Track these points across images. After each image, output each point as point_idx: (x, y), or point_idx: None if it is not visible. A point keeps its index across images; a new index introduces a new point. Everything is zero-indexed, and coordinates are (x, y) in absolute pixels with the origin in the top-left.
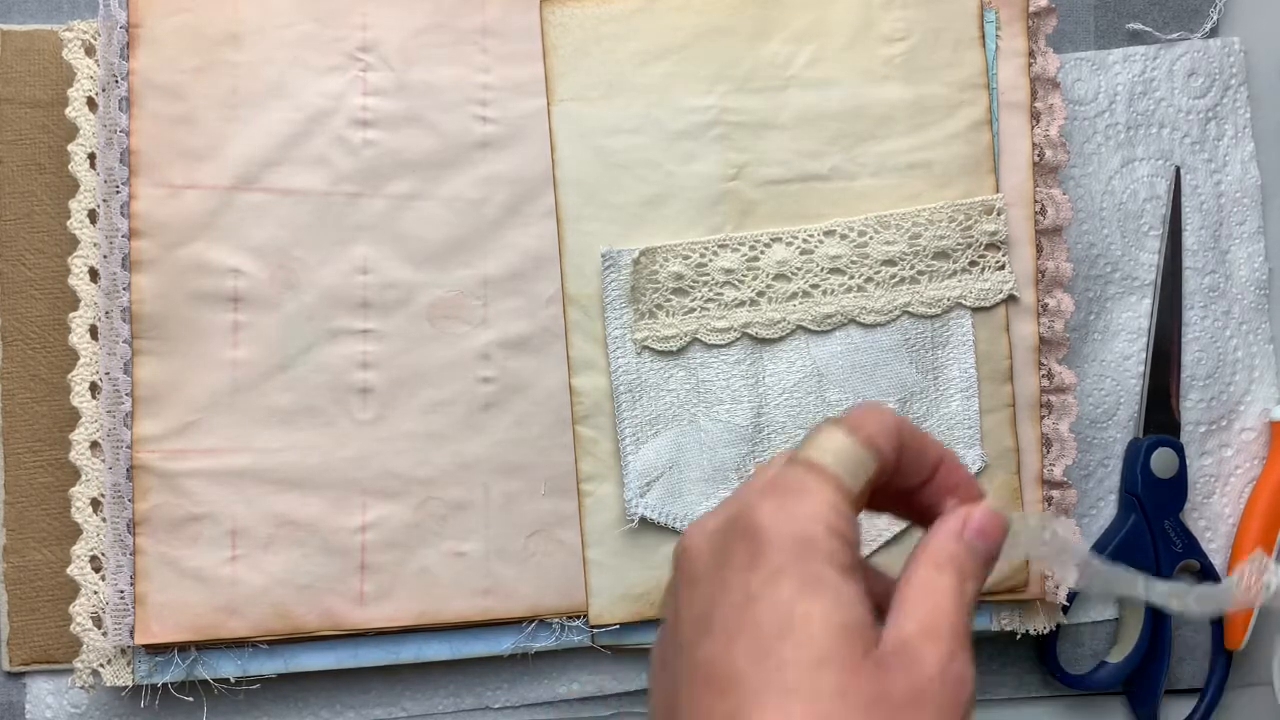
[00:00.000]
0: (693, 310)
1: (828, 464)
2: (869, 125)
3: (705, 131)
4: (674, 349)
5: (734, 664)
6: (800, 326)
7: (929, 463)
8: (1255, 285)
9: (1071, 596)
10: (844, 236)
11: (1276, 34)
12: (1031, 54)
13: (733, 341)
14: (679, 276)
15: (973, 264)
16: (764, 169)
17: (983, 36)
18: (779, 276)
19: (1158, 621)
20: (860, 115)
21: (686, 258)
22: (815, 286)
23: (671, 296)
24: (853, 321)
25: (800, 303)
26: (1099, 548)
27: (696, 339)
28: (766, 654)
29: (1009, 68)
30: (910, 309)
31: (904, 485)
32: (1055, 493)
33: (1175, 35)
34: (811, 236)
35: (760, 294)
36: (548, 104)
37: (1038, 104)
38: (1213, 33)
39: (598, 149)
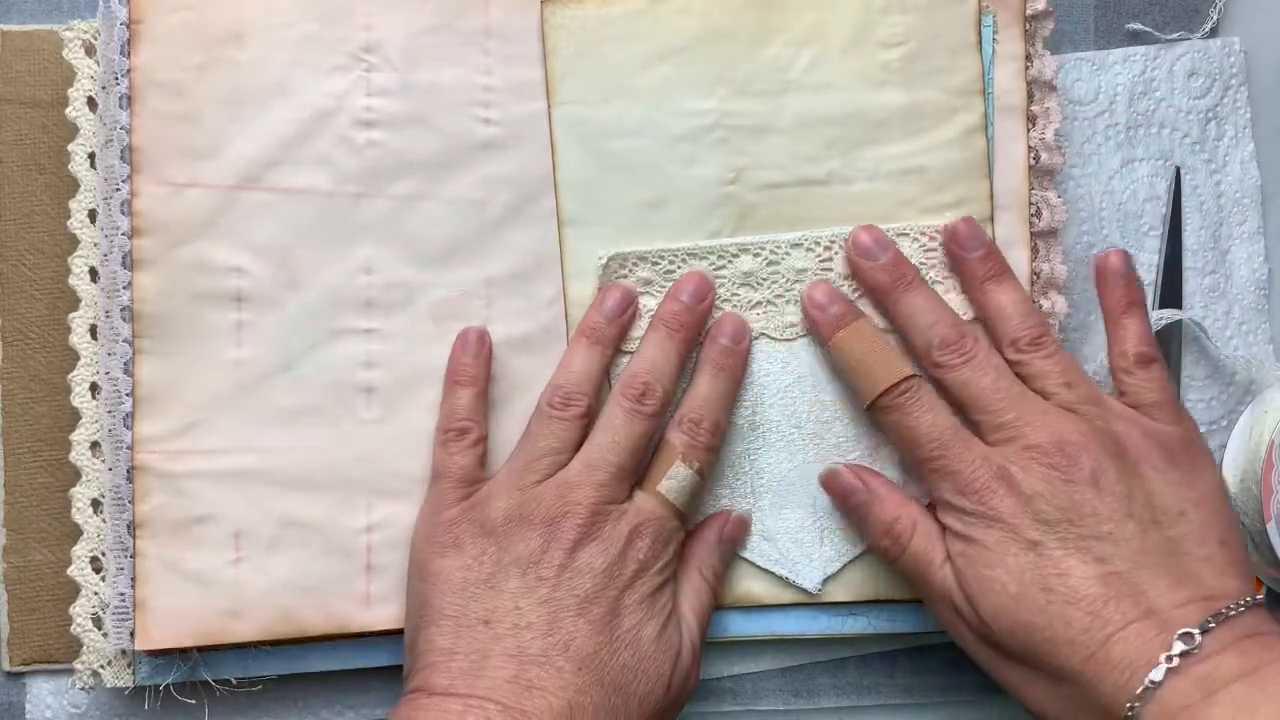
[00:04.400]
0: None
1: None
2: (866, 130)
3: (705, 135)
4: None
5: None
6: (764, 334)
7: None
8: (1255, 285)
9: None
10: (809, 250)
11: (1276, 34)
12: (1028, 57)
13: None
14: (647, 282)
15: (935, 284)
16: (763, 173)
17: (979, 41)
18: (744, 285)
19: None
20: (857, 120)
21: (655, 264)
22: (779, 297)
23: (640, 299)
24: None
25: (764, 312)
26: None
27: None
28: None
29: (1005, 71)
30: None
31: None
32: None
33: (1175, 35)
34: (779, 249)
35: (725, 301)
36: (548, 106)
37: (1034, 107)
38: (1213, 33)
39: (598, 152)
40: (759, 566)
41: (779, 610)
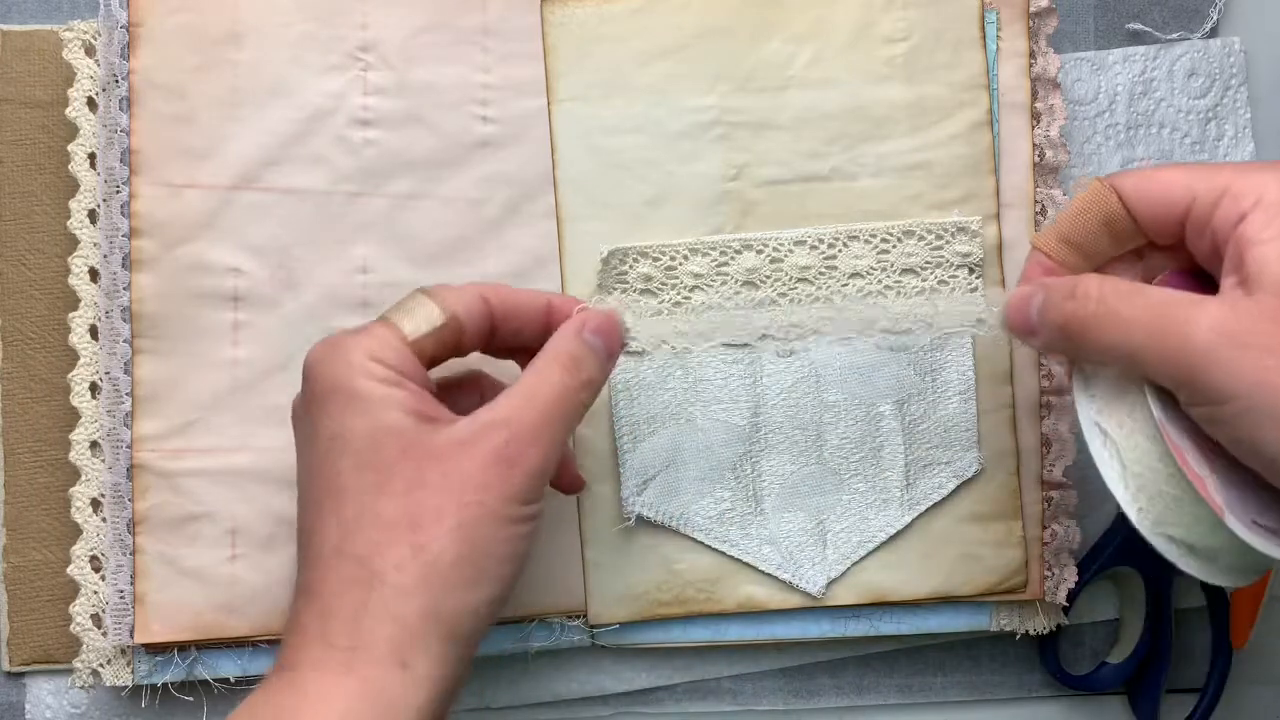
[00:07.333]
0: (660, 313)
1: (393, 315)
2: (869, 126)
3: (706, 131)
4: (640, 350)
5: (303, 480)
6: (766, 335)
7: (537, 310)
8: None
9: (1072, 597)
10: (813, 248)
11: (1276, 34)
12: (1032, 54)
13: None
14: (648, 278)
15: (942, 283)
16: (764, 169)
17: (983, 37)
18: (747, 284)
19: (1159, 622)
20: (861, 115)
21: (656, 260)
22: (783, 295)
23: (639, 298)
24: (816, 332)
25: (767, 311)
26: (1099, 548)
27: (664, 341)
28: (321, 466)
29: (1010, 68)
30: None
31: (525, 338)
32: (1055, 493)
33: (1175, 35)
34: (781, 245)
35: (728, 300)
36: (548, 104)
37: (1038, 104)
38: (1213, 33)
39: (598, 149)
40: (762, 571)
41: (781, 614)
